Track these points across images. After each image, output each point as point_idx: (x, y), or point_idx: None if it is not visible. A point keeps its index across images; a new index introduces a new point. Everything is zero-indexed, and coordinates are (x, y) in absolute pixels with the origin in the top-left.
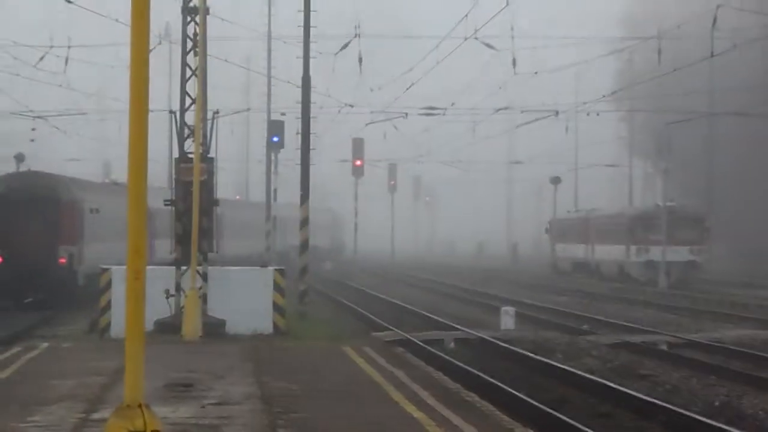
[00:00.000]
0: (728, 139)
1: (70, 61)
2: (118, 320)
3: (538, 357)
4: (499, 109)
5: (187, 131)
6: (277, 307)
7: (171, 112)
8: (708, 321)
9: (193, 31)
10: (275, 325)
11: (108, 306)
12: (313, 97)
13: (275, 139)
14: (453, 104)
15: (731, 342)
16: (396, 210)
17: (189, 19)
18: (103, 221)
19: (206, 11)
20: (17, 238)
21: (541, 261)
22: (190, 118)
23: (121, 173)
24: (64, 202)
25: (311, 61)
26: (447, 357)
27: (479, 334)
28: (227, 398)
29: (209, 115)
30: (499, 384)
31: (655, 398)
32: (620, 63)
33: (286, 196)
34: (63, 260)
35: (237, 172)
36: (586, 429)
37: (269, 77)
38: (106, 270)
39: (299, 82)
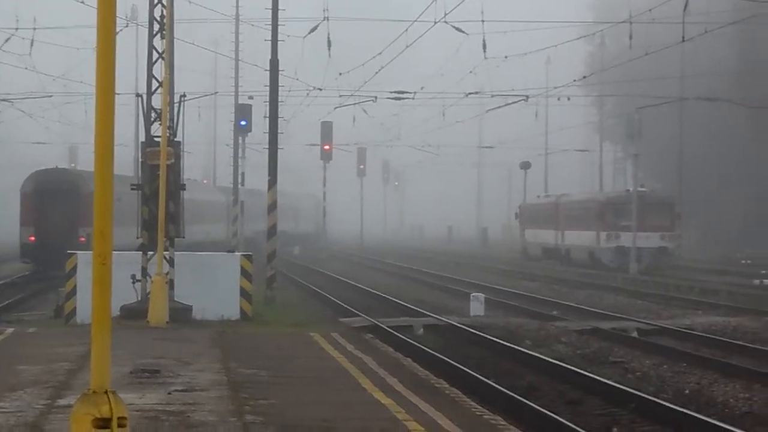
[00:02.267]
0: (699, 125)
1: (36, 44)
2: (83, 305)
3: (507, 343)
4: (469, 94)
5: (153, 115)
6: (244, 293)
7: (138, 95)
8: (679, 307)
9: (159, 13)
10: (242, 311)
11: (74, 291)
12: (282, 80)
13: (243, 123)
14: (422, 88)
15: (702, 329)
16: (365, 194)
17: (156, 1)
18: (122, 208)
19: None
20: (46, 222)
21: (511, 246)
22: (156, 101)
23: (88, 157)
24: (83, 193)
25: (279, 44)
26: (416, 343)
27: (448, 321)
28: (194, 384)
29: (176, 98)
30: (468, 370)
31: (625, 385)
32: (591, 47)
33: (257, 182)
34: (82, 239)
35: (204, 156)
36: (556, 416)
37: (237, 60)
38: (71, 255)
39: (267, 66)
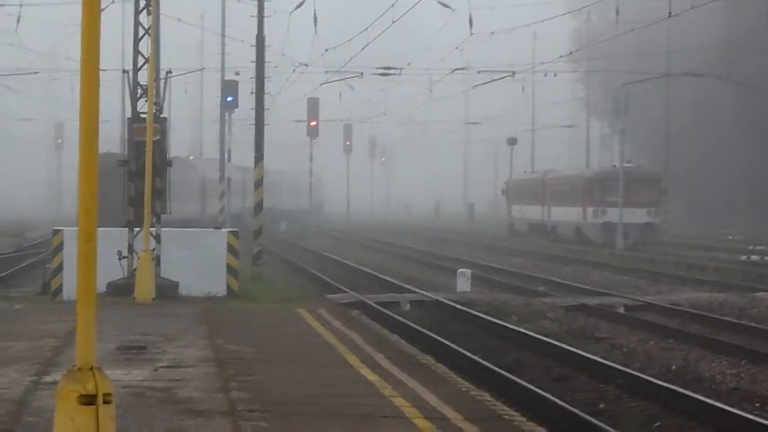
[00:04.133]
0: (686, 101)
1: (22, 20)
2: (70, 282)
3: (493, 319)
4: (456, 69)
5: (140, 91)
6: (230, 269)
7: (124, 71)
8: (665, 283)
9: None
10: (229, 288)
11: (60, 267)
12: (268, 56)
13: (229, 99)
14: (409, 64)
15: (688, 305)
16: (352, 171)
17: None
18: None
19: None
20: None
21: (498, 222)
22: (143, 77)
23: (74, 134)
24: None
25: (266, 20)
26: (402, 319)
27: (435, 297)
28: (180, 361)
29: (162, 74)
30: (455, 347)
31: (612, 361)
32: (578, 22)
33: (246, 157)
34: None
35: (191, 133)
36: (542, 392)
37: (223, 36)
38: (58, 231)
39: (254, 42)
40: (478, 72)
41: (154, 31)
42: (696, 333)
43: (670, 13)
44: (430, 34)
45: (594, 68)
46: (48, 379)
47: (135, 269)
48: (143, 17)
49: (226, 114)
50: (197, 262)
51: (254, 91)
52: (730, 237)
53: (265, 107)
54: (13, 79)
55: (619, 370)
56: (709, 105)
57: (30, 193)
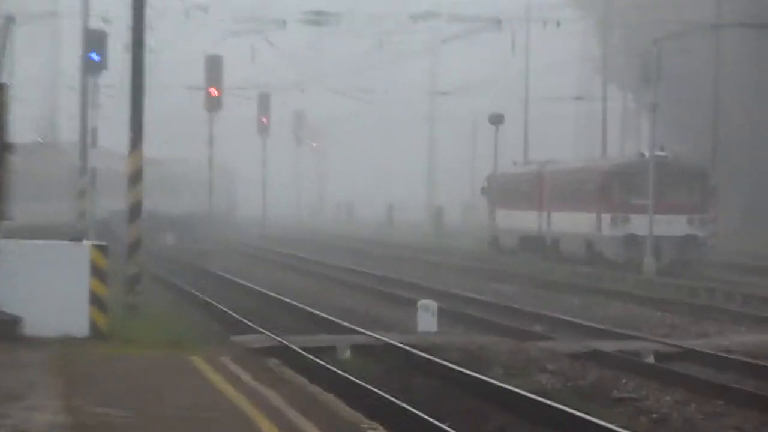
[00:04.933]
0: (740, 64)
1: None
2: None
3: (469, 372)
4: (418, 16)
5: None
6: (96, 300)
7: None
8: (712, 322)
9: None
10: (94, 325)
11: None
12: None
13: (94, 56)
14: (351, 9)
15: (744, 352)
16: (270, 159)
17: None
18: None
19: None
20: None
21: (476, 233)
22: None
23: None
24: None
25: None
26: (341, 372)
27: (387, 339)
28: (25, 429)
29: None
30: (415, 411)
31: None
32: None
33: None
34: None
35: (42, 105)
36: None
37: None
38: None
39: None
40: (449, 20)
41: None
42: (755, 391)
43: None
44: None
45: (613, 16)
46: None
47: None
48: None
49: (90, 78)
50: (48, 288)
51: (130, 45)
52: None
53: (146, 69)
54: None
55: None
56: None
57: None
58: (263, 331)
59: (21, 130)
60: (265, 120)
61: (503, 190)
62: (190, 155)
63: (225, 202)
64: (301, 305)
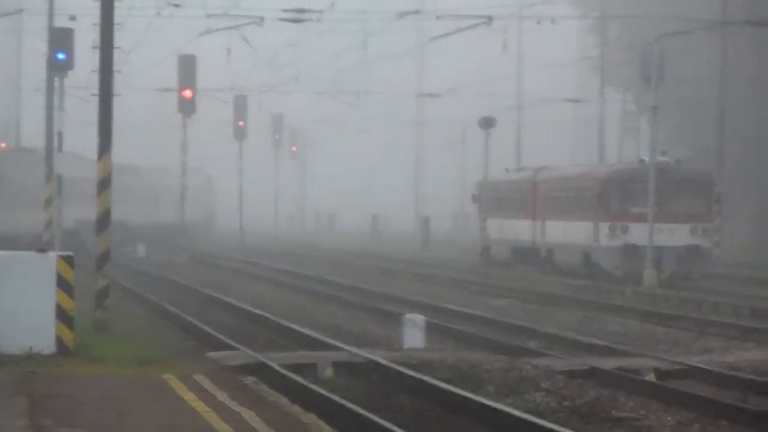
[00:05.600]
0: (747, 63)
1: None
2: None
3: (459, 391)
4: (405, 14)
5: None
6: (62, 314)
7: None
8: (717, 338)
9: None
10: (60, 341)
11: None
12: None
13: (61, 55)
14: (333, 5)
15: (752, 370)
16: (247, 166)
17: None
18: (9, 190)
19: None
20: None
21: (466, 244)
22: None
23: None
24: None
25: None
26: (322, 391)
27: (371, 357)
28: None
29: None
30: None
31: None
32: None
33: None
34: None
35: (4, 107)
36: None
37: None
38: None
39: None
40: (437, 18)
41: None
42: (761, 411)
43: None
44: None
45: (612, 12)
46: None
47: None
48: None
49: (56, 79)
50: (12, 302)
51: (98, 44)
52: None
53: (115, 69)
54: None
55: None
56: None
57: None
58: (240, 347)
59: None
60: (241, 123)
61: (495, 198)
62: (163, 161)
63: (202, 211)
64: (279, 320)
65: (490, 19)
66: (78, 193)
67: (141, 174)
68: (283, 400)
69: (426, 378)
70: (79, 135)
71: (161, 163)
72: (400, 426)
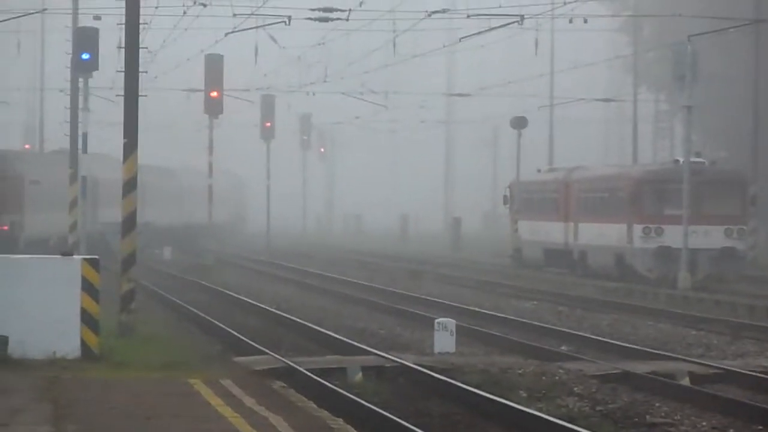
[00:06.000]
0: None
1: None
2: None
3: (491, 396)
4: (434, 13)
5: None
6: (87, 318)
7: None
8: (752, 341)
9: None
10: (85, 346)
11: None
12: None
13: (85, 56)
14: (362, 4)
15: None
16: (275, 167)
17: None
18: (43, 192)
19: None
20: None
21: (497, 246)
22: None
23: None
24: (8, 177)
25: None
26: (352, 396)
27: (401, 361)
28: None
29: None
30: None
31: None
32: None
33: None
34: (5, 227)
35: (28, 109)
36: None
37: None
38: None
39: None
40: (468, 17)
41: None
42: None
43: None
44: None
45: (645, 11)
46: None
47: None
48: None
49: (81, 80)
50: (37, 307)
51: (124, 44)
52: None
53: (142, 69)
54: None
55: None
56: None
57: None
58: (267, 351)
59: (4, 137)
60: (268, 124)
61: (526, 199)
62: (191, 162)
63: (231, 213)
64: (307, 324)
65: (521, 18)
66: (107, 194)
67: (169, 175)
68: (311, 405)
69: (456, 382)
70: (104, 135)
71: (193, 165)
72: (427, 430)
